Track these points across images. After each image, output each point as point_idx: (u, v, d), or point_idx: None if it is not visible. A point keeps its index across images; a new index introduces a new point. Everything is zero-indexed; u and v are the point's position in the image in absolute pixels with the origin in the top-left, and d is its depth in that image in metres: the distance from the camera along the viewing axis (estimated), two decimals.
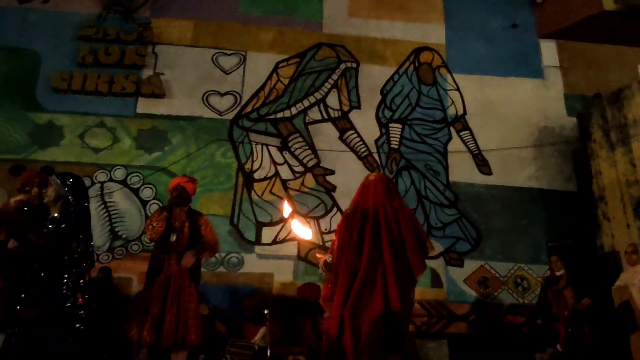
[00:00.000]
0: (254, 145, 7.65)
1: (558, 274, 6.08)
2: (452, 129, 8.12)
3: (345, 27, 8.51)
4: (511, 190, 7.79)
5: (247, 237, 7.13)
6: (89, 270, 3.57)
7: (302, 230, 3.67)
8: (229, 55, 8.13)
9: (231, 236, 7.10)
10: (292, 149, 7.68)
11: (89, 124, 7.50)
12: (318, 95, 8.04)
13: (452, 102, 8.28)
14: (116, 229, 7.03)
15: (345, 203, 7.13)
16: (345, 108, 8.04)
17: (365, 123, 7.97)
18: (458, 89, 8.36)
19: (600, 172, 7.09)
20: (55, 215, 3.43)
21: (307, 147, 7.71)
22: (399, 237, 2.85)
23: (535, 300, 6.81)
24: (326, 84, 8.12)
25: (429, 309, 7.01)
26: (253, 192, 7.39)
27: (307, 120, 7.88)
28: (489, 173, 7.88)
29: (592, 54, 8.68)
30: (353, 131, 7.90)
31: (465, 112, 8.23)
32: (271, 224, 7.24)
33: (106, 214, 7.08)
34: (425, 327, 6.88)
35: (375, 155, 7.81)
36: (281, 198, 7.23)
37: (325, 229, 7.20)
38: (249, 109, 7.85)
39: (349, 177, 7.33)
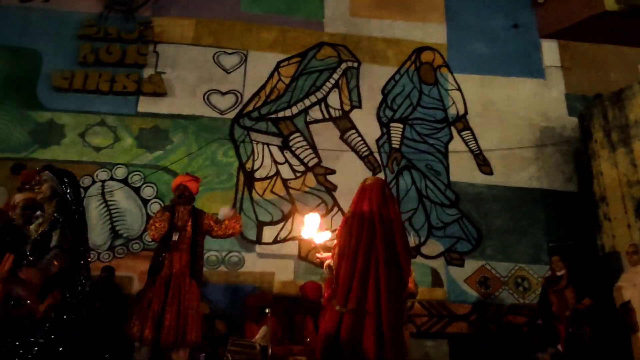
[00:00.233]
0: (255, 145, 7.65)
1: (559, 274, 6.09)
2: (453, 128, 8.12)
3: (346, 26, 8.51)
4: (512, 190, 7.79)
5: (248, 236, 7.13)
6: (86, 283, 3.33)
7: (316, 232, 3.46)
8: (230, 54, 8.13)
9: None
10: (293, 148, 7.68)
11: (90, 123, 7.50)
12: (319, 95, 8.04)
13: (453, 102, 8.28)
14: (117, 228, 7.03)
15: (345, 202, 7.14)
16: (347, 107, 8.04)
17: (366, 122, 7.97)
18: (459, 89, 8.36)
19: (601, 173, 7.08)
20: (54, 214, 3.22)
21: (308, 147, 7.71)
22: (392, 242, 2.91)
23: (536, 300, 6.82)
24: (327, 84, 8.12)
25: (430, 309, 7.01)
26: (254, 191, 7.40)
27: (308, 120, 7.89)
28: (490, 173, 7.87)
29: (593, 54, 8.68)
30: (354, 131, 7.90)
31: (466, 112, 8.23)
32: (272, 223, 7.25)
33: (107, 213, 7.08)
34: (426, 326, 6.88)
35: (376, 155, 7.81)
36: (285, 199, 7.22)
37: (327, 228, 7.18)
38: (250, 108, 7.85)
39: (350, 176, 7.34)
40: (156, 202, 7.10)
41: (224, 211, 4.76)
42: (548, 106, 8.35)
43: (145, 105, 7.68)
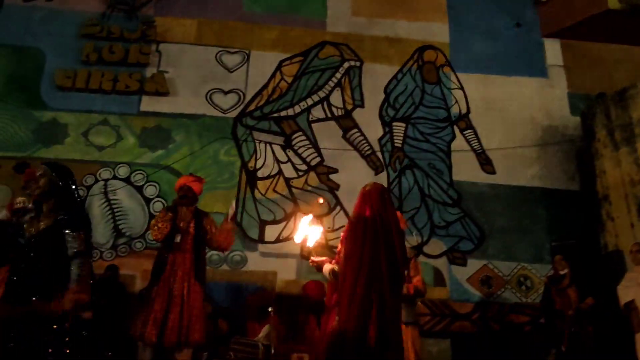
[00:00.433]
0: (257, 144, 7.65)
1: (561, 273, 6.07)
2: (455, 127, 8.11)
3: (348, 25, 8.50)
4: (515, 189, 7.78)
5: (251, 235, 7.14)
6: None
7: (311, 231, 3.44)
8: (233, 53, 8.13)
9: (234, 234, 7.09)
10: (296, 148, 7.68)
11: (93, 122, 7.52)
12: (322, 94, 8.03)
13: (456, 101, 8.27)
14: (120, 227, 7.04)
15: (348, 202, 7.16)
16: (349, 107, 8.04)
17: (369, 122, 7.96)
18: (462, 88, 8.35)
19: (604, 172, 7.07)
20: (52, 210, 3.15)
21: (310, 146, 7.72)
22: (393, 247, 2.98)
23: (539, 299, 6.80)
24: (330, 83, 8.11)
25: (432, 308, 7.01)
26: (256, 191, 7.40)
27: (310, 119, 7.89)
28: (493, 172, 7.86)
29: (596, 53, 8.65)
30: (356, 130, 7.90)
31: (468, 111, 8.22)
32: (274, 222, 7.25)
33: (110, 212, 7.10)
34: (428, 326, 6.88)
35: (379, 154, 7.81)
36: (287, 198, 7.22)
37: (329, 228, 7.20)
38: (252, 107, 7.85)
39: (353, 175, 7.35)
40: (158, 200, 7.11)
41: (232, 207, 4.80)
42: (551, 105, 8.33)
43: (148, 104, 7.69)
